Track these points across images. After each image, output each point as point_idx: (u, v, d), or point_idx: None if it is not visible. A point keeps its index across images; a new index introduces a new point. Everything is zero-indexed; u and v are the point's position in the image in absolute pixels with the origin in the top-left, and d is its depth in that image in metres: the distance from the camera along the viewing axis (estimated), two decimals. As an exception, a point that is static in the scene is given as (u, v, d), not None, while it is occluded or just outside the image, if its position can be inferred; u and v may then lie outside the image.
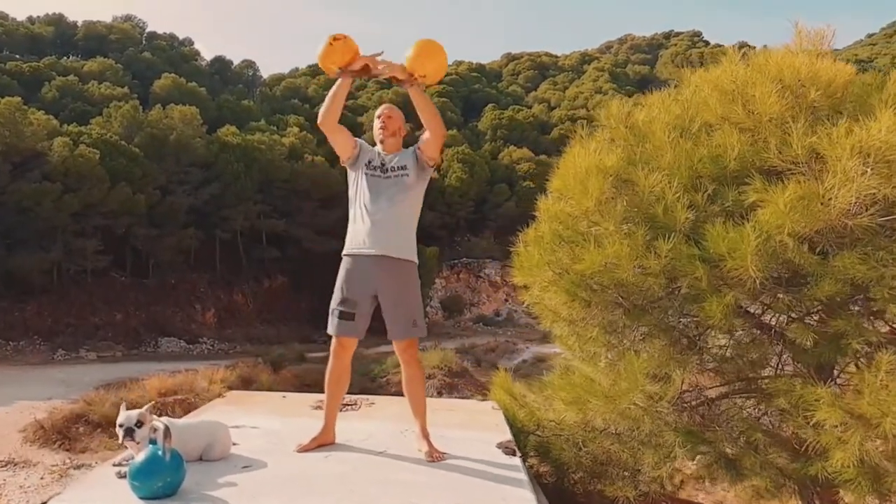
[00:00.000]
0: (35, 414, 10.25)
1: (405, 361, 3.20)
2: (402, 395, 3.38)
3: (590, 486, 4.36)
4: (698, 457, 3.78)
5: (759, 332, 3.52)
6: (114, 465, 2.76)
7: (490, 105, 56.38)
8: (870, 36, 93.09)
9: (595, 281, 3.45)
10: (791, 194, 2.80)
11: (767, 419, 3.74)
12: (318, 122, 3.12)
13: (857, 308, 3.23)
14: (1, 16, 47.02)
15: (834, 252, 2.99)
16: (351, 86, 3.16)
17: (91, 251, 24.30)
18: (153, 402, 3.81)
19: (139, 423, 2.60)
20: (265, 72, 68.72)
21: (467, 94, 59.95)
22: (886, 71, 3.31)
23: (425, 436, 3.18)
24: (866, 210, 2.73)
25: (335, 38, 3.01)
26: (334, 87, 3.09)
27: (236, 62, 59.18)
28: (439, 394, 13.27)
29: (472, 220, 41.07)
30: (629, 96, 4.15)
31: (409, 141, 3.17)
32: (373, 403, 4.37)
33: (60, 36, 48.89)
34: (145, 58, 45.37)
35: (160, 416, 2.88)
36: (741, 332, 3.53)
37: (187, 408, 9.25)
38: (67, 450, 9.26)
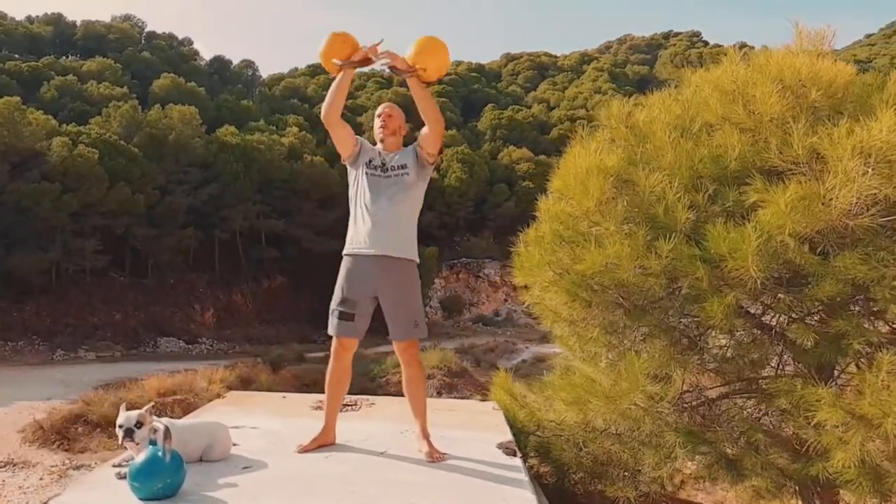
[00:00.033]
0: (34, 414, 10.21)
1: (405, 362, 3.20)
2: (402, 395, 3.38)
3: (590, 486, 4.36)
4: (699, 457, 3.77)
5: (759, 332, 3.52)
6: (114, 465, 2.75)
7: (489, 105, 56.39)
8: (868, 36, 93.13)
9: (596, 281, 3.45)
10: (792, 194, 2.80)
11: (768, 419, 3.74)
12: (322, 116, 3.14)
13: (857, 308, 3.24)
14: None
15: (835, 252, 2.99)
16: (352, 76, 3.16)
17: (90, 251, 24.23)
18: (153, 403, 3.81)
19: (139, 424, 2.60)
20: (264, 72, 68.57)
21: (467, 94, 59.96)
22: (886, 71, 3.32)
23: (426, 436, 3.18)
24: (867, 210, 2.73)
25: (335, 35, 3.08)
26: (336, 80, 3.10)
27: (235, 62, 59.04)
28: (439, 394, 13.28)
29: (471, 220, 41.05)
30: (628, 96, 4.14)
31: (410, 140, 3.17)
32: (373, 404, 4.37)
33: (59, 35, 48.74)
34: (144, 57, 45.21)
35: (160, 416, 2.88)
36: (742, 332, 3.53)
37: (186, 408, 9.25)
38: (66, 450, 9.23)
